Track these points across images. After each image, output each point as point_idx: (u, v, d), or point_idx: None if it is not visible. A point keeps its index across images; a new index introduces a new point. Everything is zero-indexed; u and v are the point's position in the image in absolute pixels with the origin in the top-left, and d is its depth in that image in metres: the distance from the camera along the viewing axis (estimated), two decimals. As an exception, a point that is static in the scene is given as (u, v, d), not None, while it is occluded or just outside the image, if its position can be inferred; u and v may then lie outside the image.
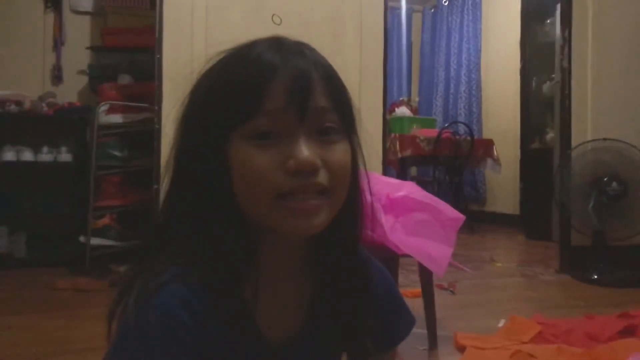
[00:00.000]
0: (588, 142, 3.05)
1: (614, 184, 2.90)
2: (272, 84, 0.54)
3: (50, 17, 3.50)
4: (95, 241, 2.90)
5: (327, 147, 0.56)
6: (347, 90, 0.60)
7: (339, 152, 0.57)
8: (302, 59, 0.56)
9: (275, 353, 0.61)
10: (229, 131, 0.54)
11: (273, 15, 2.69)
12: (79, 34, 3.53)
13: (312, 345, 0.63)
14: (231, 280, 0.56)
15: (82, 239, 2.94)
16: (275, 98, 0.53)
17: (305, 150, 0.53)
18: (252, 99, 0.53)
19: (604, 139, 3.01)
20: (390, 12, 3.44)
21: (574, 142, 3.13)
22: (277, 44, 0.57)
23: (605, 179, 2.91)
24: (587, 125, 3.19)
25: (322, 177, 0.55)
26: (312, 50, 0.59)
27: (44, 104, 3.23)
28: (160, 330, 0.51)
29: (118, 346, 0.53)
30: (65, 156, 3.18)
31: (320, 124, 0.56)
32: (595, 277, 2.84)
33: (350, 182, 0.59)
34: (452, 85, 6.27)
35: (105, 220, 2.97)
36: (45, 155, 3.16)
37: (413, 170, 5.66)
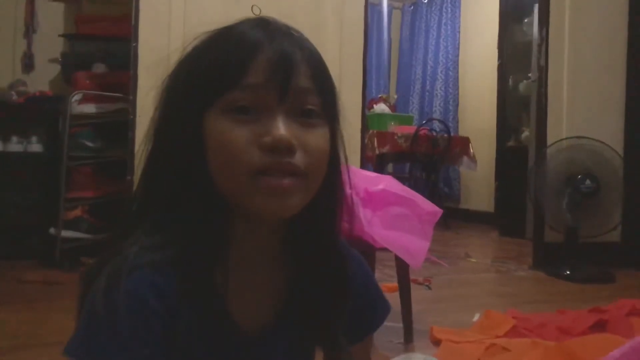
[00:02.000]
0: (563, 140, 3.09)
1: (587, 181, 2.94)
2: (255, 59, 0.53)
3: (22, 2, 3.40)
4: (66, 233, 2.84)
5: (306, 130, 0.55)
6: (331, 78, 0.60)
7: (318, 136, 0.56)
8: (288, 39, 0.56)
9: (247, 342, 0.59)
10: (207, 102, 0.53)
11: (253, 5, 2.65)
12: (52, 20, 3.44)
13: (286, 336, 0.62)
14: (201, 262, 0.54)
15: (52, 231, 2.87)
16: (257, 73, 0.53)
17: (282, 128, 0.53)
18: (234, 72, 0.53)
19: (579, 137, 3.06)
20: (370, 8, 3.43)
21: (549, 140, 3.17)
22: (264, 23, 0.57)
23: (579, 177, 2.96)
24: (563, 123, 3.23)
25: (298, 159, 0.54)
26: (300, 34, 0.59)
27: (13, 92, 3.14)
28: (129, 316, 0.50)
29: (84, 332, 0.51)
30: (35, 146, 3.10)
31: (302, 105, 0.55)
32: (568, 273, 2.88)
33: (329, 169, 0.58)
34: (428, 83, 6.31)
35: (77, 212, 2.91)
36: (15, 145, 3.07)
37: (390, 167, 5.68)
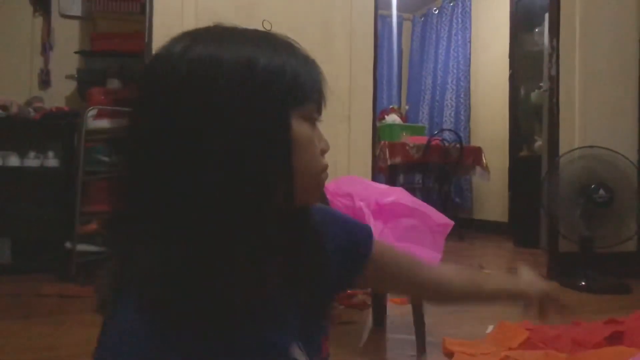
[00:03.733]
0: (575, 149, 3.08)
1: (601, 191, 2.92)
2: (319, 79, 0.63)
3: (39, 21, 3.48)
4: (81, 247, 2.87)
5: None
6: None
7: None
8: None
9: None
10: (292, 109, 0.59)
11: (263, 20, 2.68)
12: (68, 38, 3.52)
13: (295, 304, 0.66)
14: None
15: (68, 245, 2.91)
16: (318, 92, 0.63)
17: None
18: (311, 88, 0.61)
19: (592, 147, 3.04)
20: (380, 19, 3.46)
21: (561, 150, 3.16)
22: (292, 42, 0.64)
23: (593, 187, 2.93)
24: (575, 133, 3.22)
25: None
26: None
27: (31, 109, 3.20)
28: None
29: None
30: (52, 161, 3.15)
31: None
32: (583, 283, 2.85)
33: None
34: (438, 93, 6.30)
35: (92, 226, 2.94)
36: (32, 161, 3.13)
37: (402, 178, 5.67)
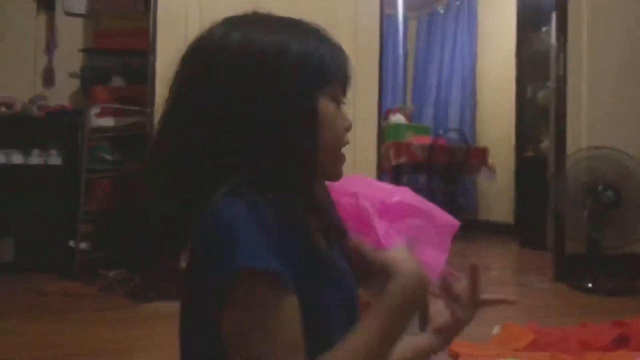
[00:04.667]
0: (583, 150, 3.04)
1: (609, 192, 2.89)
2: (345, 64, 0.71)
3: (43, 19, 3.47)
4: (84, 246, 2.87)
5: None
6: None
7: None
8: None
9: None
10: (320, 89, 0.67)
11: (268, 18, 2.67)
12: (72, 36, 3.51)
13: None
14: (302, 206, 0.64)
15: (71, 243, 2.90)
16: (344, 75, 0.71)
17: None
18: (338, 71, 0.69)
19: (599, 147, 3.00)
20: (385, 18, 3.43)
21: (568, 150, 3.12)
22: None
23: (600, 187, 2.90)
24: (582, 133, 3.18)
25: None
26: None
27: (34, 107, 3.20)
28: (251, 225, 0.58)
29: (206, 266, 0.58)
30: (55, 159, 3.15)
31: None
32: (590, 285, 2.82)
33: None
34: (444, 92, 6.27)
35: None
36: (36, 159, 3.12)
37: (407, 178, 5.64)
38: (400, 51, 6.70)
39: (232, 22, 0.68)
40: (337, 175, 0.73)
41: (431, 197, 4.92)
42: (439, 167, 4.91)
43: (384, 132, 4.56)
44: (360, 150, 2.94)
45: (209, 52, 0.66)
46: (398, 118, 5.32)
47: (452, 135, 5.12)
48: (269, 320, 0.57)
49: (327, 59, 0.68)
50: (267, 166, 0.63)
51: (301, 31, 0.69)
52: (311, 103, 0.65)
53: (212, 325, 0.59)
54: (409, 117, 5.59)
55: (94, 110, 2.98)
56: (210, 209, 0.59)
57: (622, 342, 1.80)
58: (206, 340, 0.61)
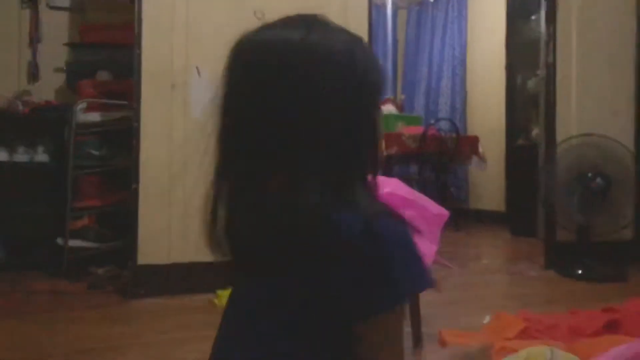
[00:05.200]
0: (573, 137, 3.05)
1: (598, 179, 2.89)
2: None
3: (27, 12, 3.41)
4: (73, 243, 2.84)
5: None
6: None
7: None
8: None
9: None
10: (379, 94, 0.73)
11: (255, 11, 2.64)
12: (56, 30, 3.45)
13: None
14: None
15: (60, 240, 2.87)
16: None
17: None
18: (384, 86, 0.76)
19: (589, 135, 3.01)
20: (375, 8, 3.41)
21: (558, 138, 3.13)
22: None
23: (590, 175, 2.91)
24: (572, 121, 3.18)
25: None
26: None
27: (19, 103, 3.15)
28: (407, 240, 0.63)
29: (367, 284, 0.60)
30: (42, 156, 3.10)
31: None
32: (580, 272, 2.83)
33: None
34: (434, 82, 6.26)
35: (84, 221, 2.91)
36: (21, 156, 3.08)
37: (398, 169, 5.64)
38: (390, 41, 6.66)
39: (307, 24, 0.73)
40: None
41: (422, 187, 4.93)
42: (430, 157, 4.91)
43: (375, 123, 4.54)
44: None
45: (293, 57, 0.68)
46: (389, 108, 5.30)
47: (443, 124, 5.11)
48: (399, 336, 0.64)
49: (380, 67, 0.74)
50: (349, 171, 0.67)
51: (356, 38, 0.74)
52: (375, 105, 0.72)
53: (334, 339, 0.62)
54: (399, 108, 5.57)
55: (80, 106, 2.94)
56: (366, 226, 0.61)
57: (612, 328, 1.81)
58: (324, 352, 0.64)
